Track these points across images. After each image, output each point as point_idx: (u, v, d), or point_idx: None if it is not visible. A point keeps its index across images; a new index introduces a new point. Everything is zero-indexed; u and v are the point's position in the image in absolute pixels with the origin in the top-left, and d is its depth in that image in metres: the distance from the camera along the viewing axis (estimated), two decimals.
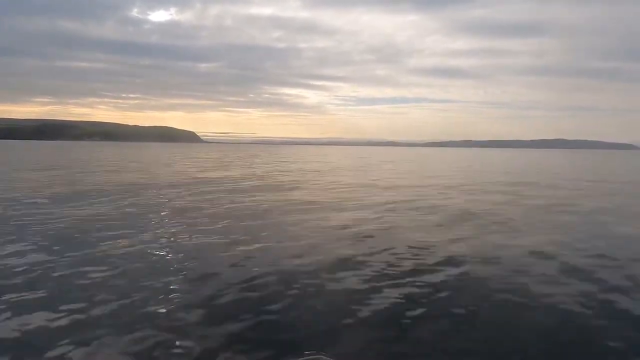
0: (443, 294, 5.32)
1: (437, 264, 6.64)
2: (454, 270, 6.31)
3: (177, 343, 3.88)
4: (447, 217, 10.99)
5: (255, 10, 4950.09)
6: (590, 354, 4.02)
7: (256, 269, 6.10)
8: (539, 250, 7.58)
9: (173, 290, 5.18)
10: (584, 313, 4.84)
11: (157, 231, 8.58)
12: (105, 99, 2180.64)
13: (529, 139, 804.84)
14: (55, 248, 7.03)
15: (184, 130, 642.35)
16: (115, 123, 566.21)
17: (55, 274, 5.74)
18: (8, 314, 4.44)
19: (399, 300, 5.10)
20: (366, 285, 5.56)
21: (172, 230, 8.71)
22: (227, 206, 12.07)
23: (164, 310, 4.59)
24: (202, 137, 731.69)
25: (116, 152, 66.08)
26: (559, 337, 4.25)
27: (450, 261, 6.79)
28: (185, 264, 6.31)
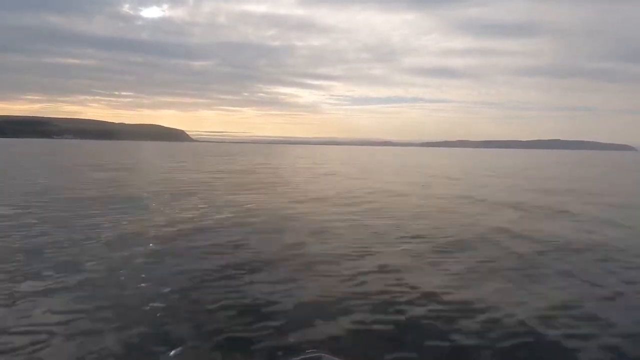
0: (442, 294, 5.31)
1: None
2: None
3: (174, 343, 3.91)
4: None
5: (249, 7, 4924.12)
6: None
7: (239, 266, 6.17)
8: None
9: (165, 287, 5.22)
10: None
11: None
12: (97, 97, 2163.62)
13: (525, 140, 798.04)
14: None
15: (173, 129, 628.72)
16: (95, 120, 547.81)
17: None
18: None
19: (397, 298, 5.16)
20: (362, 282, 5.67)
21: None
22: None
23: (159, 307, 4.68)
24: (193, 136, 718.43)
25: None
26: None
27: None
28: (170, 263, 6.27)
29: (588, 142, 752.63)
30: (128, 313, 4.48)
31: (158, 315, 4.48)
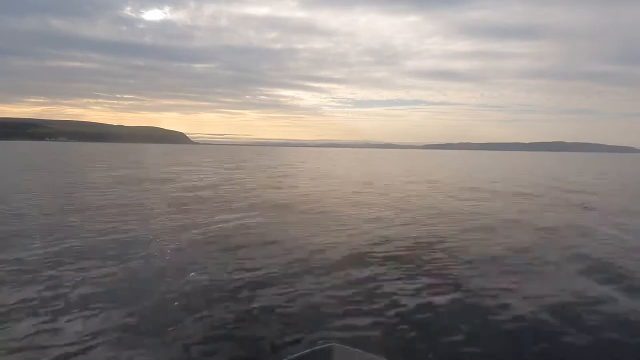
0: (451, 286, 5.21)
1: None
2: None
3: (185, 336, 3.76)
4: None
5: (250, 10, 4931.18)
6: None
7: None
8: None
9: (176, 278, 5.20)
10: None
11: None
12: (100, 100, 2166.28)
13: (528, 142, 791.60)
14: None
15: (173, 131, 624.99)
16: (92, 122, 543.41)
17: None
18: None
19: (407, 290, 5.06)
20: (371, 275, 5.54)
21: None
22: None
23: (171, 302, 4.53)
24: (193, 139, 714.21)
25: None
26: None
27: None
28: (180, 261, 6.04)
29: (591, 144, 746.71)
30: None
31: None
